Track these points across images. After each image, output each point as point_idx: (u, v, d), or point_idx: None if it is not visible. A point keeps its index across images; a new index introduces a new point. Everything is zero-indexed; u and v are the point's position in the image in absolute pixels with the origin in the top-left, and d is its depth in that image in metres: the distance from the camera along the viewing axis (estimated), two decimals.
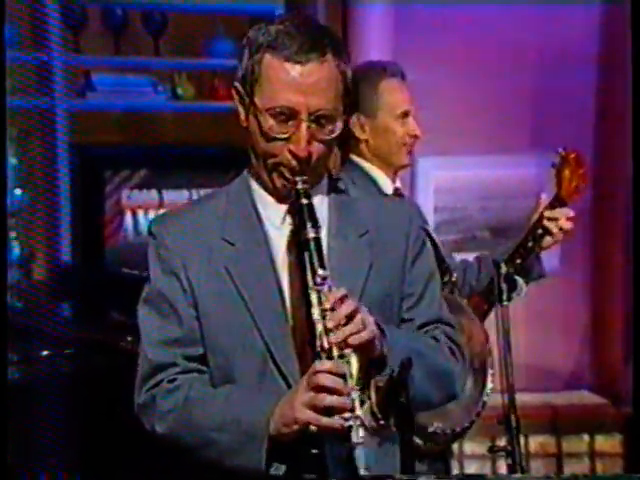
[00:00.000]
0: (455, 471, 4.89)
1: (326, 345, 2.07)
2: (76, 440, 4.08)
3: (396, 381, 2.06)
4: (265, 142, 2.19)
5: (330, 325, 2.07)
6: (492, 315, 3.36)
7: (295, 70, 2.16)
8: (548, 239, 3.44)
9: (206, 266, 2.22)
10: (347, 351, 2.07)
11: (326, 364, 2.06)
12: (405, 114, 3.42)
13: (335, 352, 2.06)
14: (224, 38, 5.18)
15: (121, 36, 5.08)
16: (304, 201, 2.17)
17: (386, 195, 3.36)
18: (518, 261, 3.41)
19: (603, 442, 5.27)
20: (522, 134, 5.24)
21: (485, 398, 3.42)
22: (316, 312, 2.09)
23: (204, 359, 2.24)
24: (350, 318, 2.08)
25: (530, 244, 3.44)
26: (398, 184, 3.50)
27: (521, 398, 3.17)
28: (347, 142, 3.43)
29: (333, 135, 2.21)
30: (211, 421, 2.17)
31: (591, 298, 5.45)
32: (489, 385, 3.41)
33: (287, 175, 2.20)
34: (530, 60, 5.25)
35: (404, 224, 2.32)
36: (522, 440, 3.11)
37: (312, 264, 2.12)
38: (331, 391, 2.05)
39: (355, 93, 3.25)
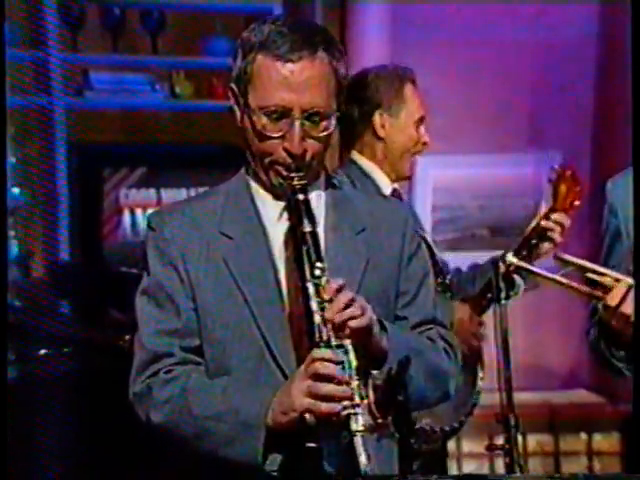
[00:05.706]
0: (454, 469, 4.90)
1: (325, 336, 2.07)
2: (75, 439, 4.08)
3: (394, 379, 2.06)
4: (260, 141, 2.21)
5: (328, 316, 2.07)
6: (490, 314, 3.36)
7: (286, 68, 2.17)
8: (545, 245, 3.46)
9: (204, 258, 2.23)
10: (346, 342, 2.08)
11: (324, 352, 2.06)
12: (421, 120, 3.49)
13: (333, 342, 2.07)
14: (222, 37, 5.18)
15: (119, 34, 5.09)
16: (300, 197, 2.18)
17: (383, 195, 3.37)
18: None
19: (601, 441, 5.27)
20: (521, 133, 5.24)
21: (474, 399, 3.44)
22: (314, 304, 2.10)
23: (200, 350, 2.24)
24: (348, 306, 2.09)
25: (524, 252, 3.45)
26: (396, 185, 3.52)
27: (519, 397, 3.18)
28: (351, 140, 3.45)
29: (327, 132, 2.22)
30: (208, 411, 2.17)
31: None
32: (479, 384, 3.43)
33: (283, 172, 2.21)
34: (529, 60, 5.25)
35: (400, 223, 2.33)
36: (520, 439, 3.11)
37: (309, 257, 2.13)
38: (330, 379, 2.05)
39: (377, 92, 3.39)
